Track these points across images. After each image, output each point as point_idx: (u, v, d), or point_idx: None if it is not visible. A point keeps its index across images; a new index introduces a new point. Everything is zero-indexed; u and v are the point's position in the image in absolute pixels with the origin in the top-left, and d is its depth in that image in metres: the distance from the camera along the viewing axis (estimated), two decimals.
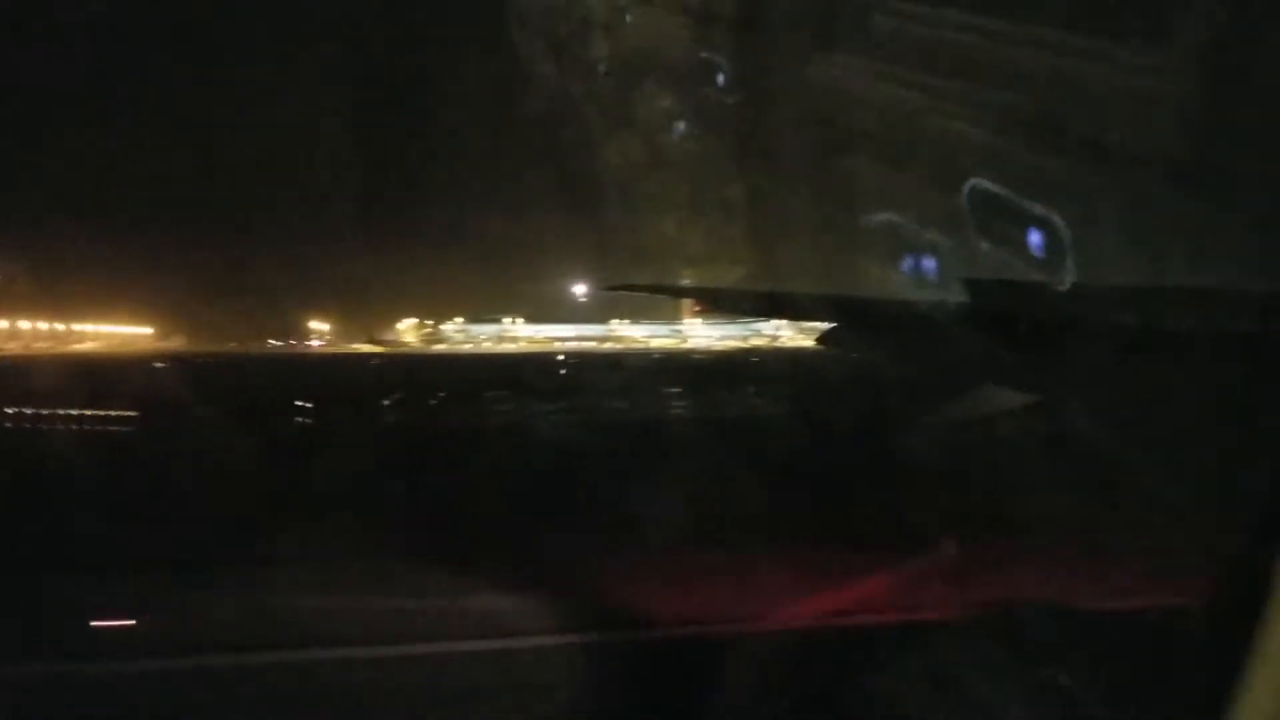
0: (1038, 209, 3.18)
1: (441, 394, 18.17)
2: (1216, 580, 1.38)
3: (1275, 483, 1.13)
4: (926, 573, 5.18)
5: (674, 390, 16.34)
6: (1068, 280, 3.07)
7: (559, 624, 5.02)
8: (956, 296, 3.55)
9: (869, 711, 3.76)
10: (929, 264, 3.78)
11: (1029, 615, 3.78)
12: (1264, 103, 2.32)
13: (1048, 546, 4.65)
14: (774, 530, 6.17)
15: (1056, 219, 3.12)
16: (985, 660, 3.40)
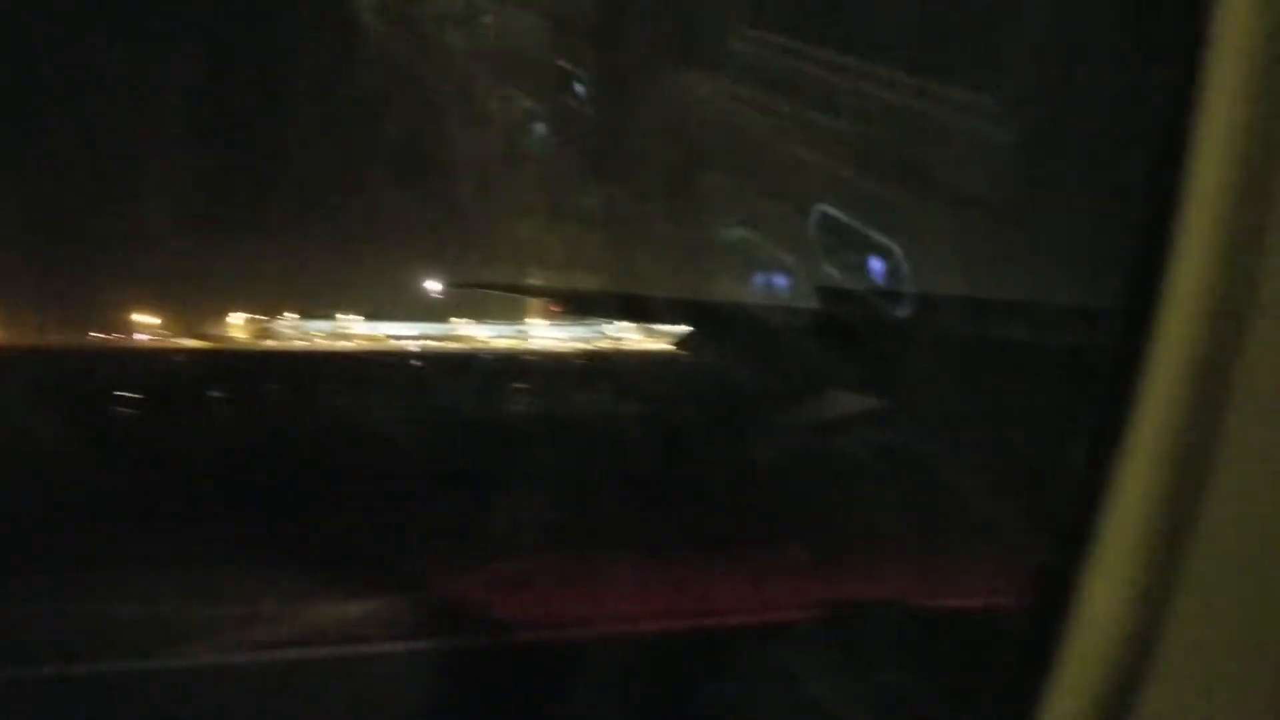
0: (879, 230, 3.37)
1: (275, 391, 17.50)
2: (1030, 585, 1.49)
3: (1081, 492, 1.24)
4: (771, 575, 5.34)
5: (521, 391, 16.28)
6: (906, 292, 3.26)
7: (400, 630, 4.93)
8: (804, 305, 3.73)
9: (716, 713, 3.85)
10: (778, 277, 3.94)
11: (869, 616, 3.95)
12: (1076, 145, 2.54)
13: (888, 549, 4.86)
14: (621, 533, 6.23)
15: (896, 240, 3.32)
16: (828, 661, 3.54)
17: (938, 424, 3.23)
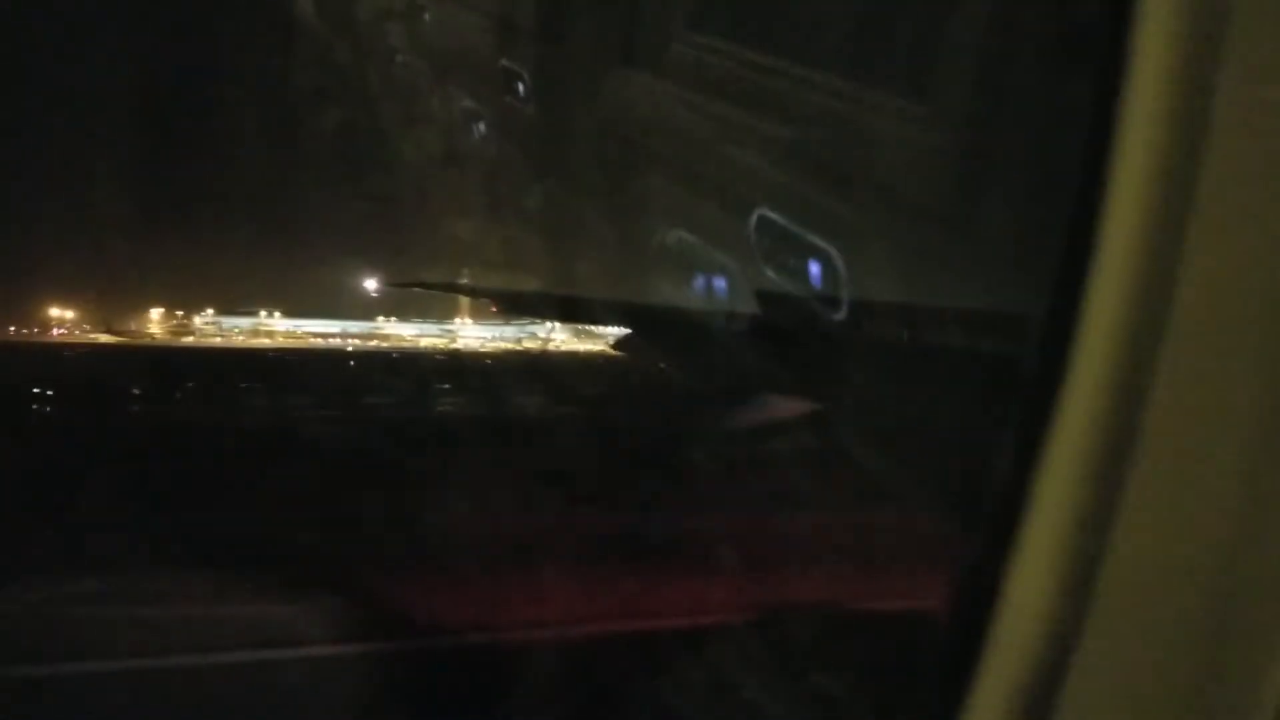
0: (817, 243, 3.42)
1: (195, 389, 17.02)
2: (956, 584, 1.53)
3: (1006, 494, 1.28)
4: (700, 579, 5.36)
5: (454, 392, 16.10)
6: (844, 297, 3.31)
7: (321, 633, 4.84)
8: (743, 309, 3.76)
9: (649, 717, 3.86)
10: (718, 281, 3.95)
11: (803, 620, 4.00)
12: (1014, 153, 2.60)
13: (818, 553, 4.92)
14: (550, 536, 6.21)
15: (833, 253, 3.37)
16: (756, 666, 3.57)
17: (866, 427, 3.28)
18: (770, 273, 3.59)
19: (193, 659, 4.61)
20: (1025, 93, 2.46)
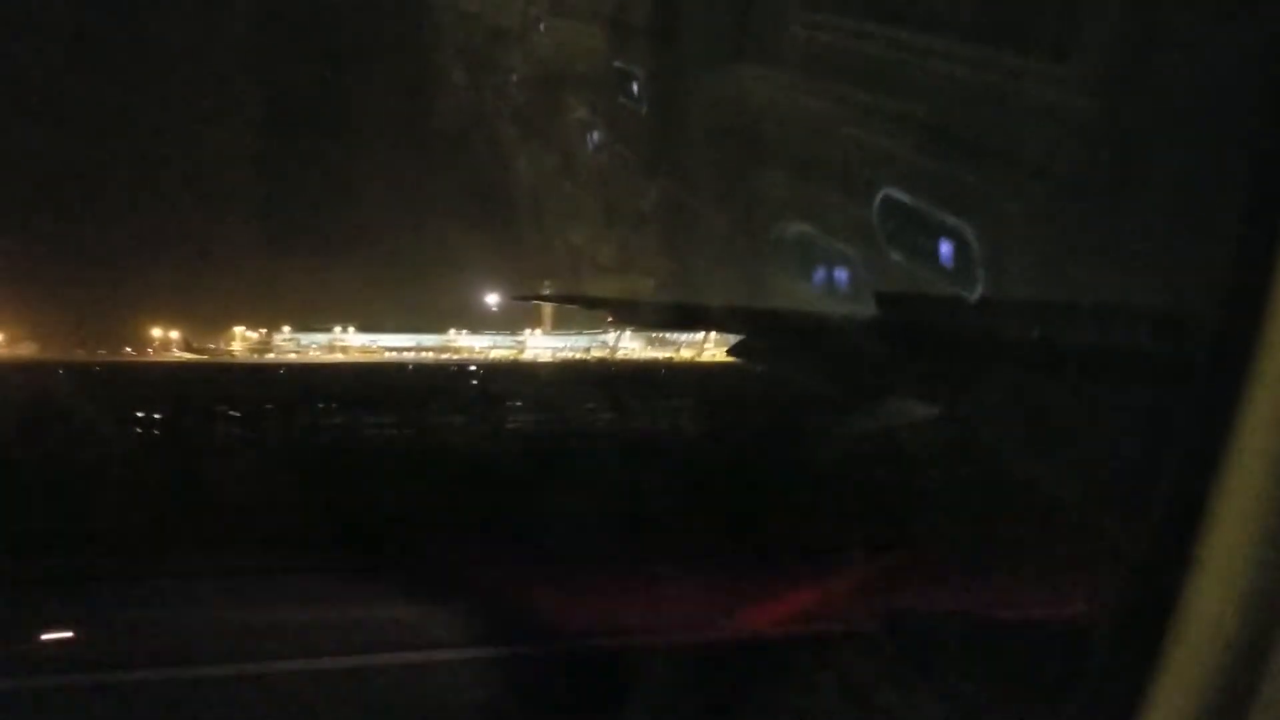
0: (948, 221, 3.27)
1: (322, 404, 17.23)
2: (1121, 589, 1.44)
3: (1177, 493, 1.18)
4: (834, 584, 5.28)
5: (573, 403, 16.11)
6: (975, 294, 3.18)
7: (420, 638, 4.89)
8: (866, 309, 3.64)
9: None
10: (840, 275, 3.84)
11: (935, 625, 3.90)
12: (1170, 119, 2.44)
13: (953, 557, 4.80)
14: (682, 544, 6.17)
15: (966, 232, 3.23)
16: (891, 670, 3.49)
17: (1031, 431, 3.13)
18: (906, 269, 3.44)
19: (301, 664, 4.69)
20: (1201, 46, 2.24)
